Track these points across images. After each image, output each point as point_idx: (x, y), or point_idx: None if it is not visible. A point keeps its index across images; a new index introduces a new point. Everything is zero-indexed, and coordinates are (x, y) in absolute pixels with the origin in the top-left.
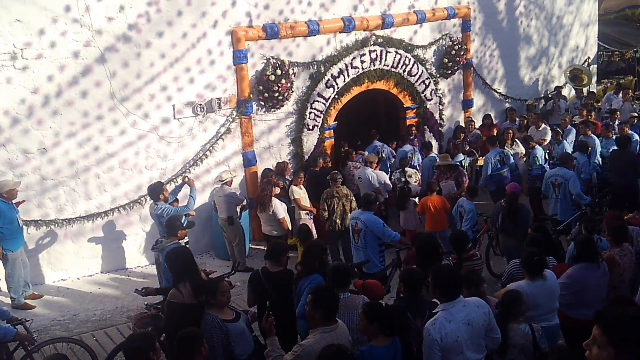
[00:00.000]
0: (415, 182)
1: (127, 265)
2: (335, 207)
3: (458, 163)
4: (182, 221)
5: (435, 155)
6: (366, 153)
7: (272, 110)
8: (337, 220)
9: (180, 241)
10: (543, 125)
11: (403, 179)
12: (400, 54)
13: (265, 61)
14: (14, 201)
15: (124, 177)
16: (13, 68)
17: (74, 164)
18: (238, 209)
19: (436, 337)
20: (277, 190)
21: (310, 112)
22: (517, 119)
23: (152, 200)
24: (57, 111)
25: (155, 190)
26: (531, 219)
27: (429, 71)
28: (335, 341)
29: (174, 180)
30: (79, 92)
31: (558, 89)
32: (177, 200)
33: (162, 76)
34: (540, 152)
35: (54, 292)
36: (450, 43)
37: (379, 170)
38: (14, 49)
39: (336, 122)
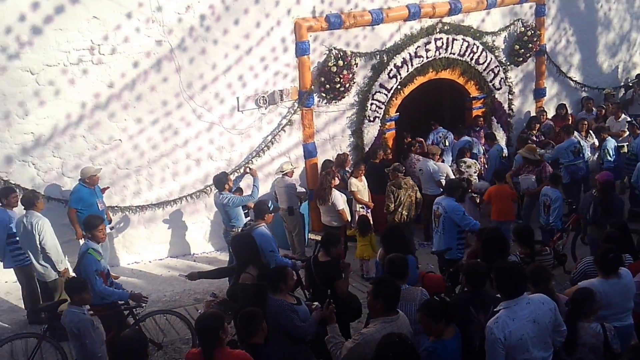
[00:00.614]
0: (475, 172)
1: (193, 251)
2: (403, 198)
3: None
4: (269, 205)
5: (502, 145)
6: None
7: (334, 101)
8: (404, 212)
9: (265, 224)
10: (623, 116)
11: (461, 170)
12: (467, 42)
13: (327, 52)
14: (99, 187)
15: (190, 167)
16: (91, 63)
17: (145, 154)
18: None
19: (499, 335)
20: (337, 181)
21: (371, 104)
22: (594, 109)
23: (217, 190)
24: (129, 104)
25: (221, 181)
26: (626, 211)
27: (498, 59)
28: (397, 331)
29: (237, 170)
30: (150, 85)
31: (639, 77)
32: (240, 189)
33: (227, 70)
34: (611, 145)
35: (128, 274)
36: (523, 29)
37: (441, 162)
38: (92, 45)
39: (398, 114)
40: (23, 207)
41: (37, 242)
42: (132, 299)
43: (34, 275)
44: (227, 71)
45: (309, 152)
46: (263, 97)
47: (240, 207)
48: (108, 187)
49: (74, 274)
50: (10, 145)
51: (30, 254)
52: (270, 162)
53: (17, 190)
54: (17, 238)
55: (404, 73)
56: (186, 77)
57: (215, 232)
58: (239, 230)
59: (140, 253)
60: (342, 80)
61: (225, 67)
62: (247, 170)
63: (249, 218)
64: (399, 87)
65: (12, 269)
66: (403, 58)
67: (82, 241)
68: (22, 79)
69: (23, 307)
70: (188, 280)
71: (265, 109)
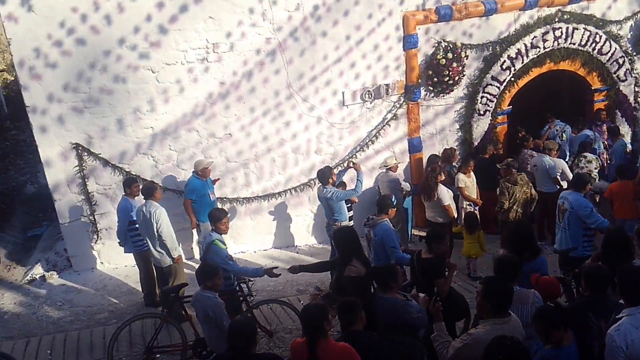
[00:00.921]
0: (596, 168)
1: (296, 243)
2: (518, 195)
3: None
4: (392, 200)
5: (626, 141)
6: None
7: (441, 95)
8: (518, 210)
9: (388, 219)
10: None
11: (580, 166)
12: (589, 31)
13: (436, 45)
14: (210, 179)
15: (296, 160)
16: (205, 61)
17: (253, 147)
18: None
19: (621, 344)
20: (442, 177)
21: (482, 97)
22: None
23: (320, 184)
24: (240, 100)
25: (325, 175)
26: None
27: (623, 49)
28: (508, 334)
29: (341, 164)
30: (259, 81)
31: None
32: (343, 183)
33: (334, 64)
34: None
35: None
36: None
37: (558, 157)
38: (207, 44)
39: (510, 107)
40: (143, 197)
41: (155, 230)
42: (266, 273)
43: (151, 261)
44: (334, 65)
45: (414, 147)
46: (369, 91)
47: (344, 201)
48: (219, 179)
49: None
50: (132, 139)
51: (148, 240)
52: (374, 156)
53: (138, 181)
54: (137, 225)
55: (518, 65)
56: (293, 73)
57: (318, 225)
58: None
59: (247, 243)
60: (451, 73)
61: (331, 62)
62: (351, 164)
63: (351, 212)
64: (512, 79)
65: (131, 254)
66: (518, 49)
67: (194, 230)
68: (145, 77)
69: (140, 290)
70: (307, 273)
71: (371, 103)
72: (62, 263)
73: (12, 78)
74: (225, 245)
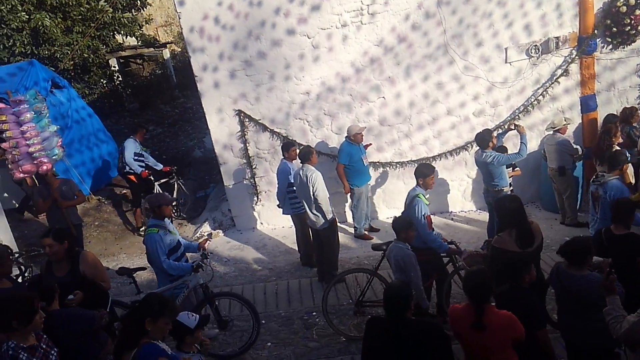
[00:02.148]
0: None
1: (451, 209)
2: None
3: None
4: (627, 155)
5: None
6: None
7: (621, 47)
8: None
9: (619, 177)
10: None
11: None
12: None
13: None
14: (362, 144)
15: (452, 123)
16: (360, 23)
17: (406, 109)
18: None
19: None
20: (619, 139)
21: None
22: None
23: (478, 148)
24: (394, 61)
25: (484, 138)
26: None
27: None
28: None
29: (502, 127)
30: (414, 41)
31: None
32: (504, 147)
33: (495, 19)
34: None
35: (387, 227)
36: None
37: None
38: (361, 6)
39: None
40: (300, 161)
41: (311, 193)
42: (449, 250)
43: (307, 223)
44: (497, 19)
45: (588, 106)
46: (535, 46)
47: (505, 166)
48: (370, 144)
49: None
50: (288, 104)
51: (305, 203)
52: (539, 117)
53: (295, 145)
54: (294, 188)
55: None
56: (451, 30)
57: (475, 191)
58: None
59: (399, 207)
60: (633, 21)
61: (494, 15)
62: (513, 126)
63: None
64: None
65: (289, 216)
66: None
67: (348, 195)
68: (301, 43)
69: (297, 250)
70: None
71: (538, 59)
72: (227, 222)
73: (180, 49)
74: (428, 201)
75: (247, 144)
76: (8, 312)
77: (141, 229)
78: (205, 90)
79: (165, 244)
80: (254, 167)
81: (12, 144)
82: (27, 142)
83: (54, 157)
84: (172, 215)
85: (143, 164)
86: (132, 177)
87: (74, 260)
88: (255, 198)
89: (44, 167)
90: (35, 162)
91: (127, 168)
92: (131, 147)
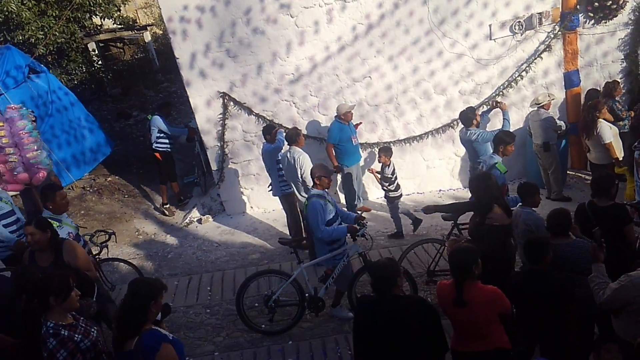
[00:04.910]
0: None
1: (439, 187)
2: None
3: None
4: None
5: None
6: None
7: (603, 22)
8: None
9: None
10: None
11: None
12: None
13: None
14: (351, 123)
15: (437, 100)
16: (342, 2)
17: (393, 88)
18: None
19: None
20: (604, 113)
21: None
22: None
23: (463, 126)
24: (378, 40)
25: (467, 116)
26: None
27: None
28: None
29: (486, 103)
30: (398, 19)
31: None
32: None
33: None
34: None
35: (377, 207)
36: None
37: None
38: None
39: None
40: (286, 143)
41: (299, 175)
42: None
43: (296, 204)
44: None
45: (571, 81)
46: (519, 21)
47: (489, 142)
48: (361, 123)
49: None
50: (274, 85)
51: (293, 185)
52: (522, 93)
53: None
54: (283, 171)
55: None
56: (434, 6)
57: (462, 169)
58: None
59: None
60: None
61: None
62: (496, 103)
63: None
64: None
65: (278, 199)
66: None
67: (339, 175)
68: (284, 22)
69: (288, 233)
70: (425, 214)
71: (521, 35)
72: (216, 207)
73: (161, 32)
74: (506, 170)
75: (232, 128)
76: (46, 290)
77: (166, 205)
78: (188, 75)
79: (326, 214)
80: (239, 150)
81: (9, 151)
82: (26, 147)
83: (47, 165)
84: None
85: (167, 142)
86: (157, 154)
87: (57, 250)
88: (244, 182)
89: (39, 175)
90: (33, 168)
91: (154, 145)
92: (157, 124)
